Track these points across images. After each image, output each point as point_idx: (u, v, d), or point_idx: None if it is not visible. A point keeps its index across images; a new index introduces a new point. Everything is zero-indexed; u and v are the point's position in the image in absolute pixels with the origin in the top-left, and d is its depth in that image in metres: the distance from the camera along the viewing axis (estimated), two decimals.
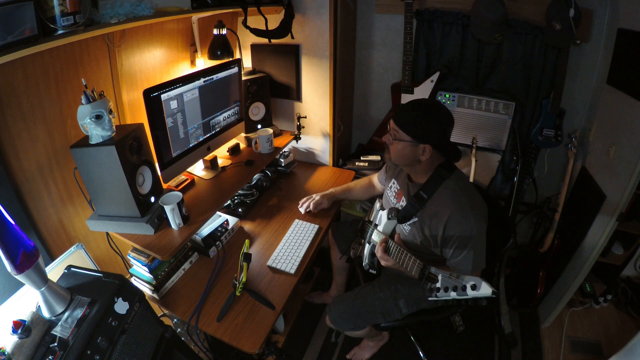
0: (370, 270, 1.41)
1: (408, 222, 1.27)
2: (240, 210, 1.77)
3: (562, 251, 1.86)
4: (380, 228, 1.30)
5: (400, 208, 1.30)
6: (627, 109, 1.50)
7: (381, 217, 1.33)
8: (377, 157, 2.15)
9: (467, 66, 1.97)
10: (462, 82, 2.02)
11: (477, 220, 1.15)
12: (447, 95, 2.03)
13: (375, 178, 1.71)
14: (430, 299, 0.94)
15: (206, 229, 1.57)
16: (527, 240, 2.17)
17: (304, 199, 1.78)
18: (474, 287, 0.83)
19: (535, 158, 2.04)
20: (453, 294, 0.87)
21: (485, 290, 0.82)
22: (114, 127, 1.15)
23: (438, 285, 0.92)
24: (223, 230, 1.60)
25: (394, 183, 1.43)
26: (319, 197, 1.75)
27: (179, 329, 1.54)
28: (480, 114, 2.00)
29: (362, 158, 2.18)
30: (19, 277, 0.86)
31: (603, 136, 1.71)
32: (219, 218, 1.66)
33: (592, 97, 1.86)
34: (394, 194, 1.41)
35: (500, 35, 1.78)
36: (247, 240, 1.44)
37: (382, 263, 1.22)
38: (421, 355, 1.80)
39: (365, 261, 1.40)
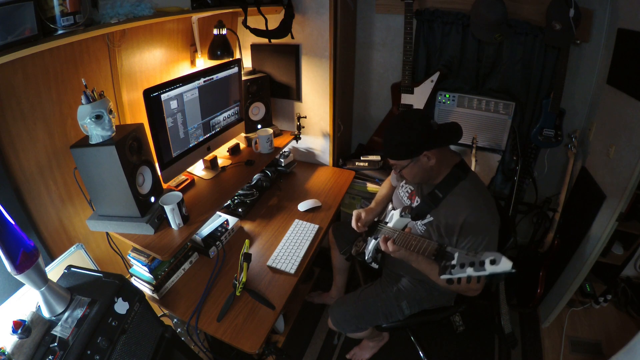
0: (372, 264, 1.40)
1: (423, 222, 1.27)
2: (240, 210, 1.77)
3: (562, 251, 1.86)
4: (390, 225, 1.29)
5: (414, 207, 1.30)
6: (627, 109, 1.51)
7: (392, 216, 1.33)
8: (377, 157, 2.15)
9: (467, 66, 1.97)
10: (462, 82, 2.02)
11: (493, 221, 1.17)
12: (447, 95, 2.03)
13: (390, 179, 1.67)
14: (442, 276, 0.89)
15: (206, 229, 1.57)
16: (527, 240, 2.17)
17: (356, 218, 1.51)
18: (493, 262, 0.78)
19: (535, 158, 2.04)
20: (469, 270, 0.82)
21: (505, 265, 0.76)
22: (114, 127, 1.15)
23: (454, 262, 0.87)
24: (223, 230, 1.60)
25: (406, 182, 1.42)
26: (364, 212, 1.51)
27: (179, 329, 1.54)
28: (480, 114, 2.00)
29: (362, 158, 2.17)
30: (19, 277, 0.86)
31: (603, 136, 1.71)
32: (219, 218, 1.66)
33: (592, 97, 1.86)
34: (407, 194, 1.40)
35: (500, 35, 1.78)
36: (247, 240, 1.44)
37: (392, 253, 1.19)
38: (421, 355, 1.80)
39: (369, 255, 1.39)
